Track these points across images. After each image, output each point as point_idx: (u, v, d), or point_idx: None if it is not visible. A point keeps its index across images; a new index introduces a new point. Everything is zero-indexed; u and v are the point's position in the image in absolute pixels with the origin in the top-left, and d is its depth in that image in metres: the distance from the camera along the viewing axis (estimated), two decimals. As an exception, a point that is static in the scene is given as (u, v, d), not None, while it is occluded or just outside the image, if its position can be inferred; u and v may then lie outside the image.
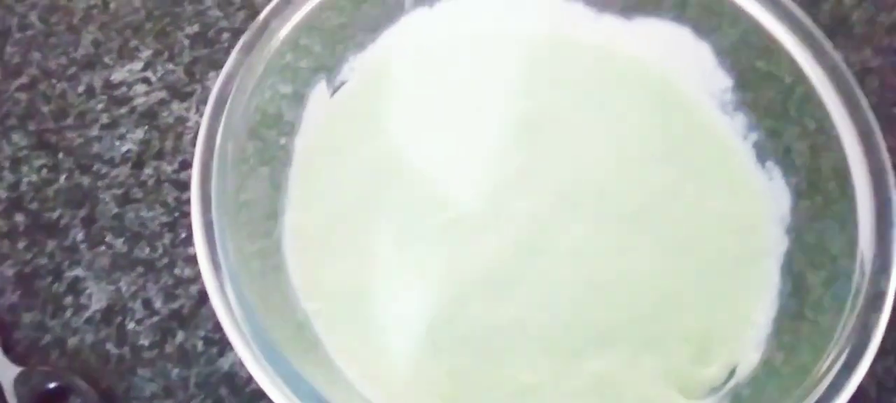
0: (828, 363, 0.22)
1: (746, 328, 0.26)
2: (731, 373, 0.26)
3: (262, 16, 0.28)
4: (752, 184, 0.29)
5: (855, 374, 0.22)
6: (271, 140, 0.28)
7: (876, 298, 0.22)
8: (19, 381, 0.31)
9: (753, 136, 0.29)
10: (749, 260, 0.27)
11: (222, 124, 0.25)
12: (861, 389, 0.33)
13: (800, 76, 0.26)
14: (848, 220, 0.24)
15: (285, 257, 0.27)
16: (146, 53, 0.39)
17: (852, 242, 0.23)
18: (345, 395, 0.24)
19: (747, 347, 0.26)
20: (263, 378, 0.23)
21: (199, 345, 0.33)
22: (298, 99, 0.29)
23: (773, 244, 0.27)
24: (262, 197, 0.28)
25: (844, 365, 0.22)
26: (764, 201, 0.28)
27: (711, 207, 0.29)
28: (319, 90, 0.30)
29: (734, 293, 0.27)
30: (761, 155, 0.29)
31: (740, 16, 0.28)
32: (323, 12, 0.29)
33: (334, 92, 0.31)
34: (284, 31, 0.27)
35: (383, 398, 0.25)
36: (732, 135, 0.30)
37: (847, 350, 0.22)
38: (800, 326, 0.25)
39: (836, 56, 0.26)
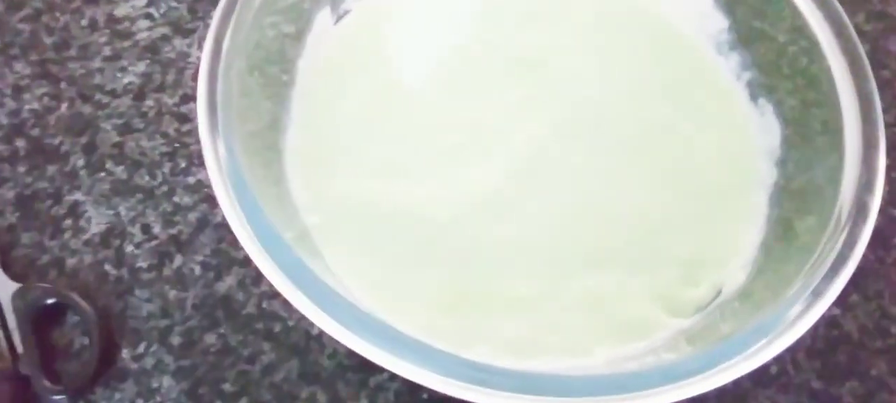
0: (809, 275, 0.22)
1: (734, 252, 0.27)
2: (718, 293, 0.27)
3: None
4: (745, 120, 0.29)
5: (835, 282, 0.22)
6: (275, 58, 0.28)
7: (860, 210, 0.23)
8: (17, 296, 0.31)
9: (747, 75, 0.30)
10: (739, 190, 0.28)
11: (228, 37, 0.25)
12: (844, 333, 0.34)
13: (791, 10, 0.27)
14: (835, 147, 0.25)
15: (286, 172, 0.28)
16: (149, -11, 0.40)
17: (838, 167, 0.24)
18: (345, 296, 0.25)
19: (734, 269, 0.26)
20: (264, 262, 0.23)
21: (197, 270, 0.33)
22: (303, 23, 0.30)
23: (762, 175, 0.28)
24: (265, 114, 0.28)
25: (826, 276, 0.22)
26: (755, 135, 0.29)
27: (704, 140, 0.29)
28: (323, 16, 0.31)
29: (724, 220, 0.28)
30: (754, 92, 0.30)
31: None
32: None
33: (338, 19, 0.31)
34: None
35: (381, 307, 0.25)
36: (727, 74, 0.30)
37: (831, 258, 0.23)
38: (786, 247, 0.26)
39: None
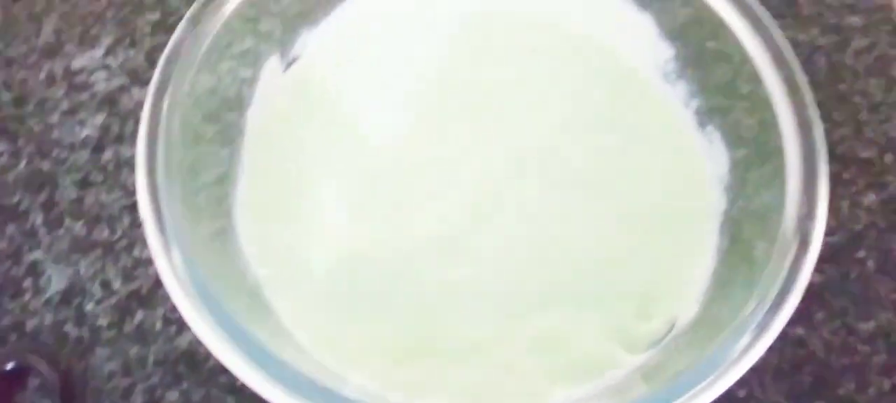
0: (756, 305, 0.23)
1: (686, 284, 0.27)
2: (671, 327, 0.27)
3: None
4: (694, 149, 0.30)
5: (781, 313, 0.23)
6: (221, 113, 0.28)
7: (803, 240, 0.23)
8: (-23, 361, 0.31)
9: (695, 103, 0.30)
10: (690, 220, 0.28)
11: (167, 96, 0.25)
12: (810, 352, 0.34)
13: (733, 42, 0.27)
14: (778, 173, 0.25)
15: (236, 225, 0.28)
16: (107, 40, 0.40)
17: (781, 194, 0.24)
18: (297, 358, 0.25)
19: (687, 302, 0.26)
20: (213, 342, 0.23)
21: (158, 325, 0.33)
22: (250, 73, 0.30)
23: (712, 204, 0.28)
24: (213, 168, 0.28)
25: (772, 306, 0.23)
26: (704, 164, 0.29)
27: (654, 171, 0.29)
28: (272, 64, 0.31)
29: (675, 252, 0.28)
30: (702, 120, 0.30)
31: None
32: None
33: (287, 66, 0.31)
34: (235, 4, 0.28)
35: (335, 360, 0.25)
36: (675, 103, 0.31)
37: (776, 292, 0.23)
38: (734, 277, 0.26)
39: (768, 20, 0.27)
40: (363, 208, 0.29)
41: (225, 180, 0.28)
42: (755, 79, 0.26)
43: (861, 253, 0.37)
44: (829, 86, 0.41)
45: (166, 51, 0.27)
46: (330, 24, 0.32)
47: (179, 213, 0.24)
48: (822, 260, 0.36)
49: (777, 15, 0.43)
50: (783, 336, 0.34)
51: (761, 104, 0.26)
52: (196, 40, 0.26)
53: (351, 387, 0.23)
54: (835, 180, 0.38)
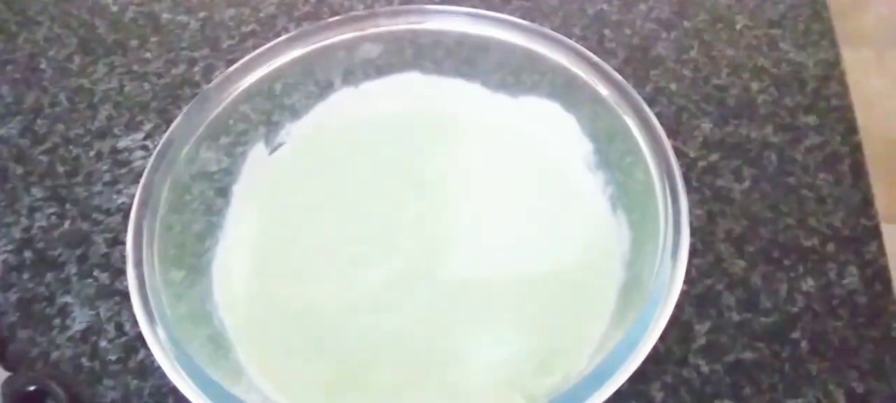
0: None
1: (584, 343, 0.31)
2: (566, 379, 0.30)
3: (213, 82, 0.35)
4: (605, 230, 0.34)
5: (636, 351, 0.26)
6: (209, 185, 0.35)
7: (665, 304, 0.27)
8: (7, 383, 0.37)
9: (610, 190, 0.35)
10: (595, 291, 0.32)
11: (163, 166, 0.32)
12: (685, 380, 0.36)
13: (629, 137, 0.32)
14: (655, 254, 0.29)
15: (212, 278, 0.34)
16: (148, 126, 0.48)
17: (652, 270, 0.28)
18: (245, 389, 0.30)
19: (582, 358, 0.30)
20: (176, 379, 0.28)
21: (155, 362, 0.38)
22: (238, 154, 0.37)
23: (615, 276, 0.32)
24: (197, 229, 0.34)
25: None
26: (613, 243, 0.33)
27: (570, 250, 0.34)
28: (259, 148, 0.37)
29: (579, 317, 0.32)
30: (614, 204, 0.34)
31: (589, 92, 0.34)
32: (264, 85, 0.36)
33: (272, 151, 0.38)
34: (229, 97, 0.35)
35: (276, 390, 0.30)
36: (595, 190, 0.35)
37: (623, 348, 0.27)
38: (618, 333, 0.29)
39: (653, 120, 0.32)
40: (320, 270, 0.34)
41: (205, 241, 0.34)
42: (644, 168, 0.31)
43: (795, 334, 0.39)
44: (779, 178, 0.44)
45: (173, 124, 0.33)
46: (310, 119, 0.38)
47: (157, 267, 0.30)
48: (756, 338, 0.39)
49: (733, 115, 0.48)
50: (709, 408, 0.37)
51: (649, 197, 0.30)
52: (199, 118, 0.33)
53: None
54: (775, 266, 0.41)
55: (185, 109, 0.34)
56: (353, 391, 0.31)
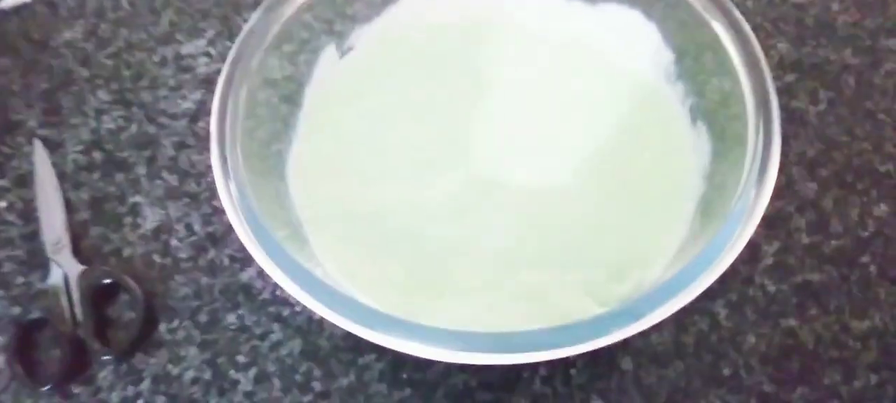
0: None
1: (658, 255, 0.30)
2: (639, 288, 0.30)
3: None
4: (683, 141, 0.33)
5: (712, 268, 0.26)
6: (283, 87, 0.35)
7: (747, 225, 0.27)
8: (82, 276, 0.38)
9: (690, 101, 0.34)
10: (672, 202, 0.32)
11: (239, 70, 0.31)
12: (799, 343, 0.36)
13: (718, 47, 0.31)
14: (741, 160, 0.28)
15: (288, 176, 0.34)
16: (210, 33, 0.47)
17: (738, 181, 0.28)
18: (322, 277, 0.30)
19: (655, 269, 0.30)
20: (261, 257, 0.29)
21: (226, 261, 0.39)
22: (310, 57, 0.36)
23: (693, 189, 0.32)
24: (273, 130, 0.34)
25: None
26: (691, 154, 0.33)
27: (647, 160, 0.33)
28: (330, 51, 0.37)
29: (654, 228, 0.31)
30: (694, 116, 0.34)
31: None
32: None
33: (343, 55, 0.37)
34: (295, 5, 0.34)
35: (351, 285, 0.30)
36: (674, 101, 0.34)
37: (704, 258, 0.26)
38: (697, 247, 0.29)
39: (749, 33, 0.31)
40: (392, 173, 0.34)
41: (283, 138, 0.34)
42: (732, 79, 0.30)
43: (865, 258, 0.38)
44: (856, 103, 0.43)
45: (242, 33, 0.33)
46: (380, 23, 0.38)
47: (241, 164, 0.30)
48: (824, 260, 0.38)
49: (812, 36, 0.46)
50: (773, 325, 0.37)
51: (736, 100, 0.29)
52: (267, 26, 0.32)
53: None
54: (848, 190, 0.40)
55: (252, 17, 0.34)
56: (425, 289, 0.31)
